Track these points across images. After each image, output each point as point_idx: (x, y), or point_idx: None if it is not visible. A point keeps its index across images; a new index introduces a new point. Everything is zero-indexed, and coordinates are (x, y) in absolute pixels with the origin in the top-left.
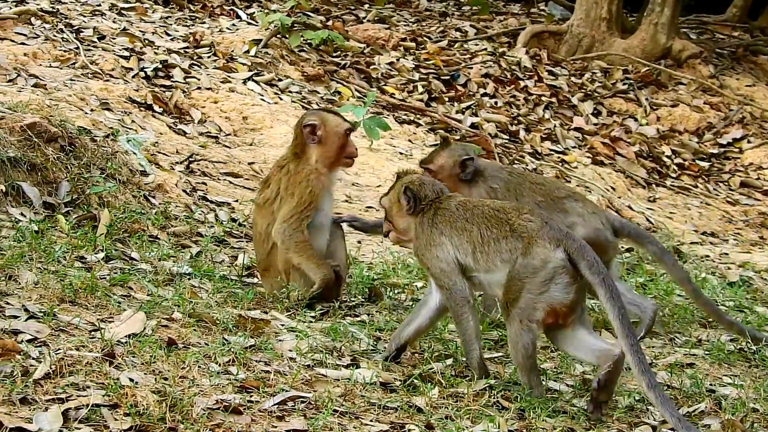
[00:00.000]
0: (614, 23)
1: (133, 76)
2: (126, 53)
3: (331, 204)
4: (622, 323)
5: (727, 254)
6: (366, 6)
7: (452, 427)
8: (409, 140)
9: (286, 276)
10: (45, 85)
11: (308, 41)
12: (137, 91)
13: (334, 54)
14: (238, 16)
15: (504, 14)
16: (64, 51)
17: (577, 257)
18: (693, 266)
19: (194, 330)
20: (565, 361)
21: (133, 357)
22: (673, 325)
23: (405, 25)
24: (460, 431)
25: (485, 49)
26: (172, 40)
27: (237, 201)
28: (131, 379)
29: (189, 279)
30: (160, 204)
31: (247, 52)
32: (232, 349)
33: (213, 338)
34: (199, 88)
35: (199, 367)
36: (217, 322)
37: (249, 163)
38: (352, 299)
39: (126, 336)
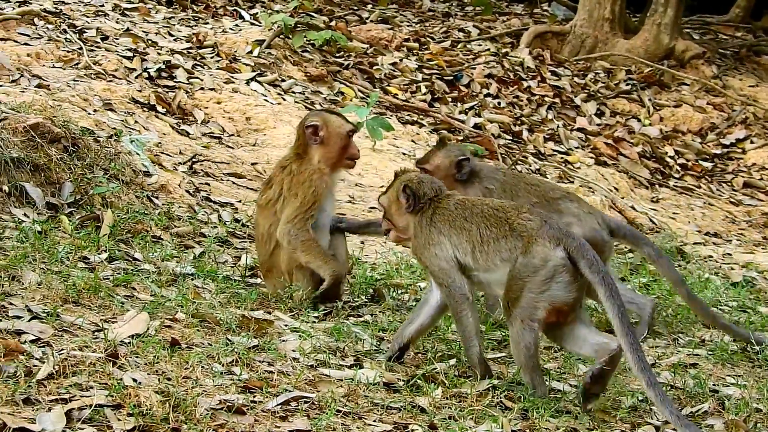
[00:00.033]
0: (617, 23)
1: (136, 77)
2: (129, 54)
3: (333, 204)
4: (621, 322)
5: (730, 255)
6: (369, 6)
7: (455, 427)
8: (412, 141)
9: (290, 276)
10: (48, 85)
11: (311, 42)
12: (140, 91)
13: (337, 54)
14: (241, 17)
15: (507, 15)
16: (67, 51)
17: (576, 256)
18: (696, 267)
19: (197, 330)
20: (569, 362)
21: (137, 357)
22: (677, 326)
23: (408, 26)
24: (463, 431)
25: (488, 49)
26: (175, 40)
27: (240, 201)
28: (134, 380)
29: (192, 279)
30: (163, 204)
31: (251, 52)
32: (236, 350)
33: (216, 338)
34: (202, 88)
35: (202, 367)
36: (221, 322)
37: (252, 164)
38: (355, 299)
39: (129, 336)
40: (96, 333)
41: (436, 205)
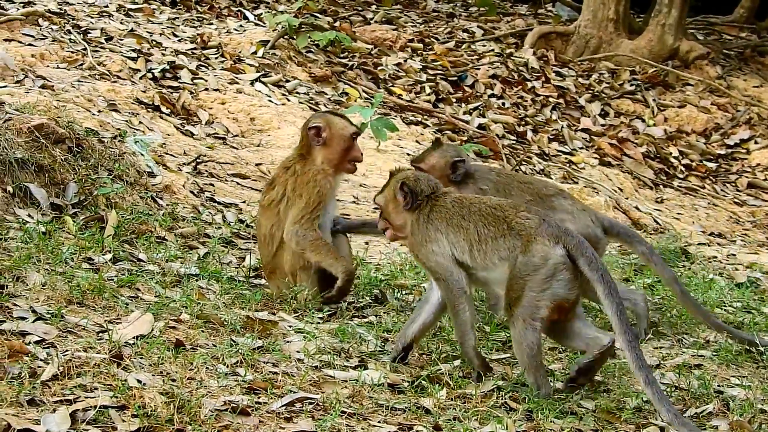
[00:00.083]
0: (621, 24)
1: (140, 78)
2: (133, 54)
3: (335, 206)
4: (620, 319)
5: (734, 255)
6: (373, 7)
7: (460, 428)
8: (417, 141)
9: (293, 277)
10: (52, 86)
11: (316, 42)
12: (145, 92)
13: (342, 55)
14: (246, 18)
15: (511, 15)
16: (72, 52)
17: (576, 253)
18: (700, 267)
19: (202, 331)
20: (573, 363)
21: (141, 358)
22: (681, 326)
23: (412, 26)
24: None
25: (492, 50)
26: (179, 41)
27: (244, 202)
28: (139, 381)
29: (196, 280)
30: (167, 205)
31: (255, 53)
32: (240, 351)
33: (221, 339)
34: (206, 89)
35: (206, 368)
36: (225, 323)
37: (256, 164)
38: (359, 300)
39: (134, 337)
40: (100, 334)
41: (434, 203)
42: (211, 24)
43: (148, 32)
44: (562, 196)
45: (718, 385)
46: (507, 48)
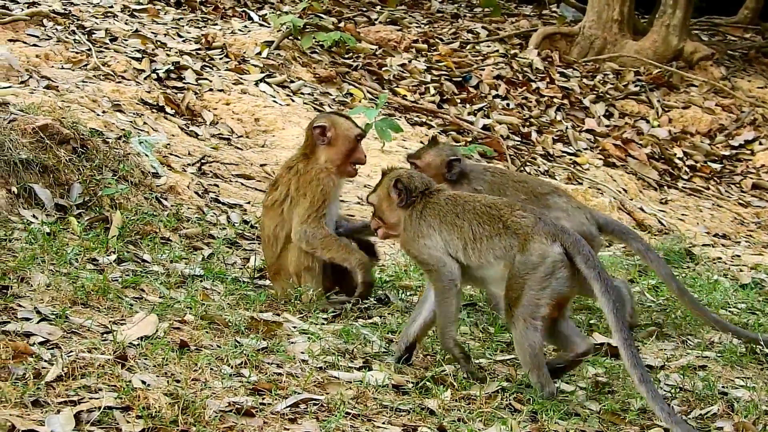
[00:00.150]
0: (626, 25)
1: (145, 78)
2: (138, 55)
3: (337, 208)
4: (616, 317)
5: (739, 256)
6: (378, 8)
7: (465, 429)
8: (421, 142)
9: (298, 278)
10: (57, 86)
11: (320, 43)
12: (149, 92)
13: (346, 56)
14: (250, 18)
15: (516, 16)
16: (76, 53)
17: (572, 251)
18: (705, 268)
19: (206, 332)
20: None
21: (146, 359)
22: (685, 328)
23: (417, 27)
24: None
25: (497, 50)
26: (184, 41)
27: (249, 203)
28: (143, 382)
29: (201, 281)
30: (172, 206)
31: (259, 53)
32: (245, 352)
33: (225, 340)
34: (211, 89)
35: (211, 369)
36: (229, 324)
37: (261, 165)
38: (364, 301)
39: (138, 338)
40: (105, 335)
41: (427, 200)
42: (216, 24)
43: (152, 33)
44: (557, 194)
45: (723, 387)
46: (511, 49)
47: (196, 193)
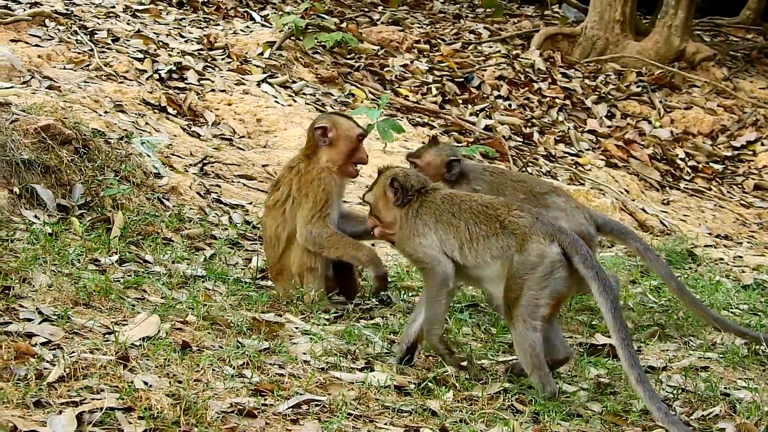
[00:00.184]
0: (628, 25)
1: (147, 78)
2: (140, 55)
3: (341, 208)
4: (614, 317)
5: (741, 257)
6: (380, 8)
7: (467, 430)
8: (423, 142)
9: (301, 279)
10: (59, 87)
11: (322, 43)
12: (151, 93)
13: (348, 56)
14: (252, 18)
15: (518, 16)
16: (78, 53)
17: (570, 251)
18: (707, 269)
19: (208, 333)
20: (580, 365)
21: (147, 360)
22: (687, 329)
23: (419, 27)
24: None
25: (499, 51)
26: (186, 42)
27: (251, 203)
28: (145, 383)
29: (203, 282)
30: (174, 206)
31: (261, 54)
32: (246, 352)
33: (227, 341)
34: (213, 90)
35: (213, 370)
36: (231, 325)
37: (263, 166)
38: (366, 302)
39: (140, 339)
40: (107, 335)
41: (423, 198)
42: (218, 25)
43: (154, 33)
44: (555, 194)
45: (725, 388)
46: (513, 49)
47: (198, 193)
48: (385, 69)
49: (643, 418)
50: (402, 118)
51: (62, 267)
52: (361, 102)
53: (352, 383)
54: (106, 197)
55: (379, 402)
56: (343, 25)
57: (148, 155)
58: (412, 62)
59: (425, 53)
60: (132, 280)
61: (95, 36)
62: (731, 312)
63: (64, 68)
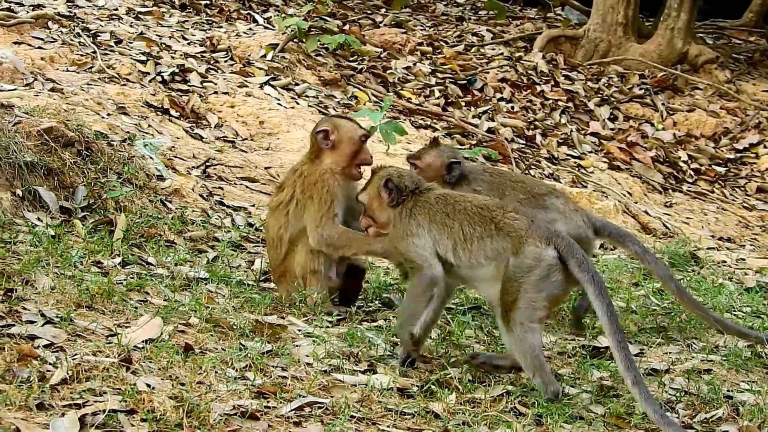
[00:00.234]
0: (631, 28)
1: (149, 81)
2: (143, 57)
3: (344, 211)
4: (610, 320)
5: (743, 260)
6: (383, 10)
7: None
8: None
9: (304, 281)
10: (62, 89)
11: (325, 45)
12: (154, 95)
13: (351, 58)
14: (255, 21)
15: (520, 19)
16: (81, 55)
17: (566, 255)
18: (710, 272)
19: (211, 335)
20: (583, 367)
21: (150, 362)
22: (690, 331)
23: (422, 30)
24: None
25: (502, 53)
26: (189, 44)
27: (254, 206)
28: (148, 385)
29: (206, 284)
30: (176, 209)
31: (264, 56)
32: (249, 355)
33: (230, 343)
34: (215, 92)
35: (215, 372)
36: (234, 327)
37: (266, 168)
38: (369, 304)
39: (143, 341)
40: (109, 338)
41: (417, 198)
42: (221, 27)
43: (157, 35)
44: (554, 196)
45: (728, 390)
46: (516, 52)
47: (201, 195)
48: (388, 71)
49: (645, 421)
50: (405, 120)
51: (65, 269)
52: (364, 104)
53: (355, 385)
54: (109, 199)
55: (381, 404)
56: (346, 27)
57: (151, 157)
58: (414, 64)
59: (428, 56)
60: (135, 283)
61: (98, 38)
62: (734, 315)
63: (67, 70)
